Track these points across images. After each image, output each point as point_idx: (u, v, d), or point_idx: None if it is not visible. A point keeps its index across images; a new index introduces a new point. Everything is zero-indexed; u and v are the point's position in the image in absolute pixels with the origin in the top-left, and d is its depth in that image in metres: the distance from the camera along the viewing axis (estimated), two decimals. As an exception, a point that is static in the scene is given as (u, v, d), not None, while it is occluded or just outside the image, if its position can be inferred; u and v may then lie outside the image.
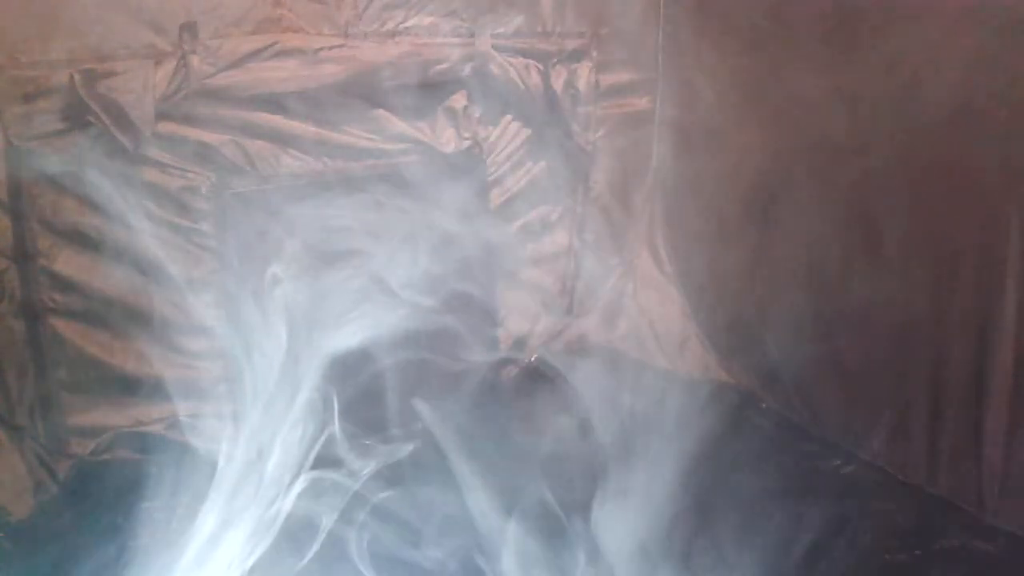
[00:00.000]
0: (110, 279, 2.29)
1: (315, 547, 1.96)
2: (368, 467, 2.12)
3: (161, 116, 2.20)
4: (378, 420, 2.50)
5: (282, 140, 2.40)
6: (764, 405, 2.66)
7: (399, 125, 2.50)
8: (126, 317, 2.32)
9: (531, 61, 2.58)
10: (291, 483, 1.95)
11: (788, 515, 2.16)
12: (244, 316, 2.22)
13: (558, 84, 2.59)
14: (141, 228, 2.30)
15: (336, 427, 2.07)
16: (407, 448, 2.29)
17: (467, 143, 2.61)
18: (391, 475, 2.20)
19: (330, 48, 2.33)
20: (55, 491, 2.20)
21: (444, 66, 2.48)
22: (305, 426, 2.04)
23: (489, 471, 2.34)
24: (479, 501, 2.20)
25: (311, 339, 2.19)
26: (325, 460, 2.04)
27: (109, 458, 2.33)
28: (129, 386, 2.35)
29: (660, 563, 2.00)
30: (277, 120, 2.37)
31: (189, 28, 2.19)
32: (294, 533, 1.96)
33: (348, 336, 2.30)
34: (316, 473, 2.01)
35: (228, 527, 1.85)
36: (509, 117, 2.69)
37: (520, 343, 2.88)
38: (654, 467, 2.35)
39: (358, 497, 2.08)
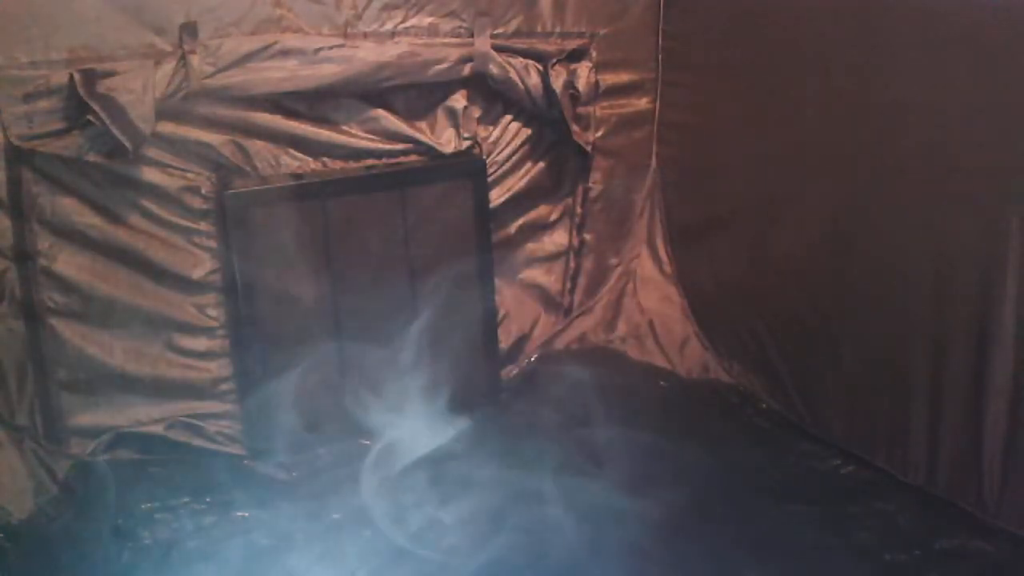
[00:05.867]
0: (110, 279, 2.29)
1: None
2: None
3: (161, 116, 2.19)
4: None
5: (282, 140, 2.40)
6: (764, 405, 2.66)
7: (399, 125, 2.50)
8: (126, 317, 2.33)
9: (531, 61, 2.58)
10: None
11: (788, 515, 2.16)
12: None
13: (558, 84, 2.59)
14: (141, 228, 2.30)
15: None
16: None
17: (467, 143, 2.61)
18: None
19: (330, 48, 2.33)
20: (55, 491, 2.19)
21: (444, 66, 2.48)
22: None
23: (486, 472, 2.35)
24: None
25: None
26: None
27: (109, 458, 2.33)
28: (129, 386, 2.35)
29: (659, 563, 2.01)
30: (277, 120, 2.37)
31: (189, 28, 2.19)
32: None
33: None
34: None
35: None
36: (509, 117, 2.68)
37: (520, 343, 2.88)
38: (654, 467, 2.36)
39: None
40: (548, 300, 2.96)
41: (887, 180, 2.17)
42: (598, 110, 2.80)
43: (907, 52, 2.07)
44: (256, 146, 2.38)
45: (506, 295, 2.84)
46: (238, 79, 2.25)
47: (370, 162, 2.51)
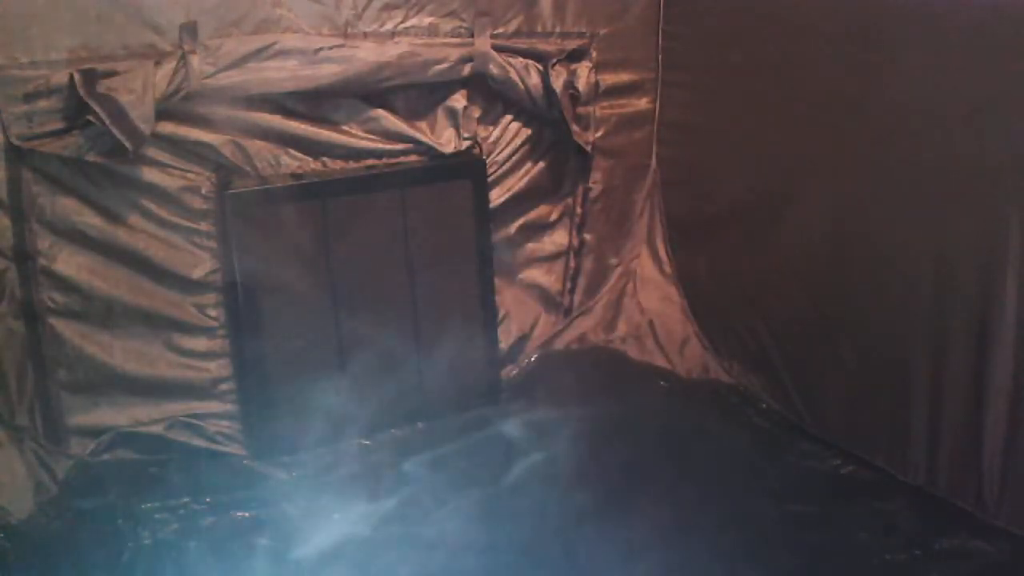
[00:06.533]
0: (110, 279, 2.29)
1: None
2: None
3: (161, 116, 2.19)
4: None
5: (282, 140, 2.41)
6: (764, 405, 2.66)
7: (399, 125, 2.50)
8: (126, 317, 2.33)
9: (531, 61, 2.58)
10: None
11: (788, 515, 2.16)
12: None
13: (558, 84, 2.59)
14: (141, 228, 2.31)
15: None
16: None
17: (467, 143, 2.61)
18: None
19: (330, 48, 2.33)
20: (55, 491, 2.20)
21: (444, 66, 2.48)
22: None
23: (487, 471, 2.36)
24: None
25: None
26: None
27: (109, 458, 2.33)
28: (129, 386, 2.35)
29: (659, 563, 2.01)
30: (277, 120, 2.37)
31: (189, 28, 2.19)
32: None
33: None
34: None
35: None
36: (509, 117, 2.68)
37: (520, 343, 2.88)
38: (653, 467, 2.36)
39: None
40: (548, 300, 2.96)
41: (887, 180, 2.17)
42: (598, 110, 2.80)
43: (907, 52, 2.07)
44: (256, 146, 2.38)
45: (506, 295, 2.84)
46: (238, 79, 2.25)
47: (370, 162, 2.51)
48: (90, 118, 2.05)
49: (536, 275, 2.92)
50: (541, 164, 2.79)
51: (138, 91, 2.11)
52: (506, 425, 2.60)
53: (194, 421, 2.41)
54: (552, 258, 2.93)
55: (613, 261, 3.02)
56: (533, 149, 2.76)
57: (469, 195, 2.63)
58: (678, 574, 1.99)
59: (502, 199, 2.73)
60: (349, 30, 2.39)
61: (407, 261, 2.57)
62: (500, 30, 2.56)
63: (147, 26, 2.17)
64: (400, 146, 2.53)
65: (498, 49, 2.54)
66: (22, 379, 2.24)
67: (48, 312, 2.25)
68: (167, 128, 2.25)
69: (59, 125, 2.10)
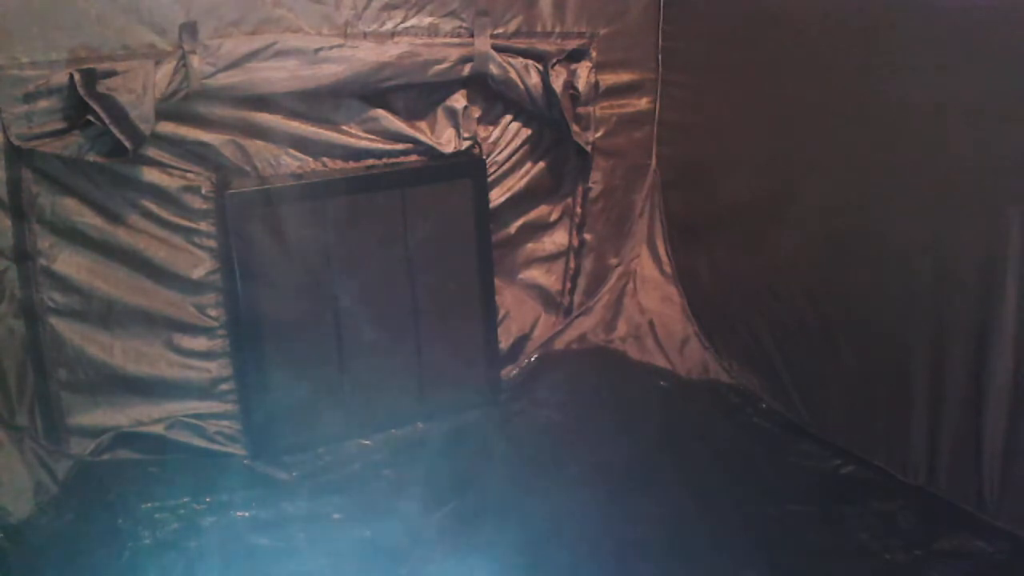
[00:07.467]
0: (110, 279, 2.30)
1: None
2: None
3: (161, 116, 2.19)
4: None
5: (282, 140, 2.41)
6: (764, 405, 2.66)
7: (399, 125, 2.50)
8: (126, 317, 2.33)
9: (531, 61, 2.58)
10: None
11: (788, 515, 2.16)
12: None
13: (558, 84, 2.59)
14: (141, 228, 2.31)
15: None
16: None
17: (467, 143, 2.61)
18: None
19: (329, 48, 2.33)
20: (55, 491, 2.20)
21: (444, 66, 2.48)
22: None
23: (487, 472, 2.36)
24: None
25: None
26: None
27: (109, 458, 2.33)
28: (129, 386, 2.35)
29: (660, 563, 2.01)
30: (277, 120, 2.37)
31: (189, 28, 2.19)
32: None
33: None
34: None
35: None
36: (509, 117, 2.68)
37: (520, 343, 2.88)
38: (653, 467, 2.36)
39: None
40: (548, 300, 2.96)
41: (887, 180, 2.17)
42: (598, 110, 2.80)
43: (907, 51, 2.07)
44: (256, 146, 2.38)
45: (506, 295, 2.84)
46: (238, 79, 2.25)
47: (370, 162, 2.51)
48: (90, 118, 2.05)
49: (536, 275, 2.92)
50: (541, 164, 2.79)
51: (138, 91, 2.11)
52: (506, 425, 2.60)
53: (194, 421, 2.41)
54: (552, 258, 2.94)
55: (613, 261, 3.03)
56: (533, 149, 2.76)
57: (469, 195, 2.63)
58: (679, 574, 1.99)
59: (502, 199, 2.73)
60: (349, 30, 2.39)
61: (407, 261, 2.57)
62: (500, 30, 2.56)
63: (147, 26, 2.17)
64: (400, 146, 2.53)
65: (498, 49, 2.54)
66: (22, 379, 2.24)
67: (48, 312, 2.25)
68: (167, 128, 2.25)
69: (59, 125, 2.10)
